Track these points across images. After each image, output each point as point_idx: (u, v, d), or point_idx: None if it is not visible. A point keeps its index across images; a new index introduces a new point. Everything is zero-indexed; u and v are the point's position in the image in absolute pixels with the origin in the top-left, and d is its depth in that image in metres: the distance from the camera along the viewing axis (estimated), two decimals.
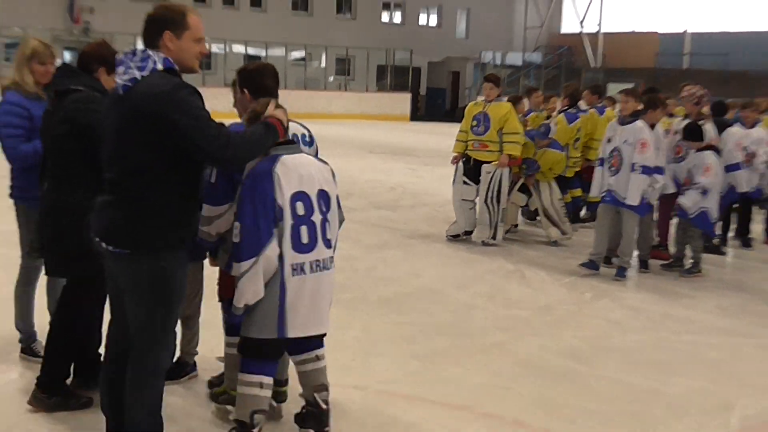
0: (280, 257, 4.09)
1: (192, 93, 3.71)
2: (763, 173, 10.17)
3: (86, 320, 4.90)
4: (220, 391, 4.91)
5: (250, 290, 4.04)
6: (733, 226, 10.86)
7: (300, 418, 4.41)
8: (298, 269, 4.12)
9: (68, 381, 4.89)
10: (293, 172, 4.08)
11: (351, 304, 7.25)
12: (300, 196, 4.09)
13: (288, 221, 4.10)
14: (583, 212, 11.83)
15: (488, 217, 9.80)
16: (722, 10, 39.38)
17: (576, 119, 10.70)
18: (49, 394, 4.75)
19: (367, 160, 19.64)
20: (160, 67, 3.73)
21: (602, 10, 43.36)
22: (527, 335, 6.71)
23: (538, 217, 10.86)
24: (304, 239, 4.11)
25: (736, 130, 9.99)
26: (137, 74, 3.71)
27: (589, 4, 43.89)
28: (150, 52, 3.75)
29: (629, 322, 7.22)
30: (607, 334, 6.86)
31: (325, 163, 4.40)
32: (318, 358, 4.39)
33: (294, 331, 4.12)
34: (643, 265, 9.05)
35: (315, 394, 4.38)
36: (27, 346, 5.56)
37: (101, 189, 3.89)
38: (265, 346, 4.21)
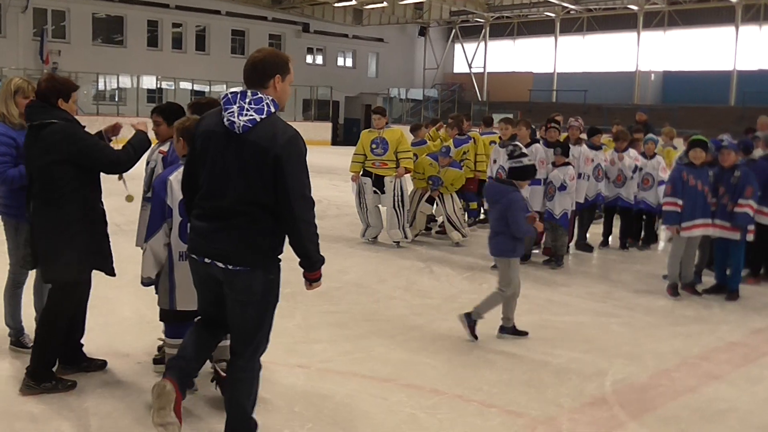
0: (169, 246, 4.48)
1: (302, 142, 3.67)
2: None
3: (68, 317, 4.77)
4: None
5: (144, 267, 4.53)
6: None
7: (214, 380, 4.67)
8: (184, 256, 4.39)
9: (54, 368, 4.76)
10: None
11: (291, 297, 7.15)
12: None
13: (176, 219, 4.45)
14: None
15: (397, 220, 9.88)
16: (583, 55, 40.19)
17: (464, 143, 10.96)
18: (37, 382, 4.62)
19: None
20: (273, 109, 3.63)
21: (486, 54, 43.97)
22: (438, 320, 6.74)
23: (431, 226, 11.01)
24: None
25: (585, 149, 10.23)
26: (256, 117, 3.58)
27: (476, 49, 44.46)
28: (261, 94, 3.62)
29: (519, 306, 7.17)
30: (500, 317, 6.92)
31: None
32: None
33: (182, 305, 4.44)
34: (524, 259, 9.17)
35: (216, 365, 4.62)
36: (16, 339, 5.40)
37: (96, 207, 4.16)
38: (164, 313, 4.66)
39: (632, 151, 10.48)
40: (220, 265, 3.68)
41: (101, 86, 33.78)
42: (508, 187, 6.19)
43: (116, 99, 33.61)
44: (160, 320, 4.74)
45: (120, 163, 4.73)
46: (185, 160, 4.07)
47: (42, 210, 4.59)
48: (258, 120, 3.59)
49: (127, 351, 5.45)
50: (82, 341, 5.09)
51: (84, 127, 4.75)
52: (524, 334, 6.28)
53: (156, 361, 5.15)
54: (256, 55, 3.74)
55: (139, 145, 4.79)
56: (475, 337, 6.13)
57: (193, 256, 3.79)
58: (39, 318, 4.77)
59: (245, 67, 3.72)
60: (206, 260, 3.72)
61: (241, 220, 3.65)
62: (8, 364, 5.15)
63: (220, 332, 4.02)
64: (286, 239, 3.79)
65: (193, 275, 3.91)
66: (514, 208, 6.09)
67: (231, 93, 3.66)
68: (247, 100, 3.61)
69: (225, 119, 3.60)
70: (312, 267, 3.87)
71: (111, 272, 4.87)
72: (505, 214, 6.09)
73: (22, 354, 5.18)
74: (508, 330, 6.28)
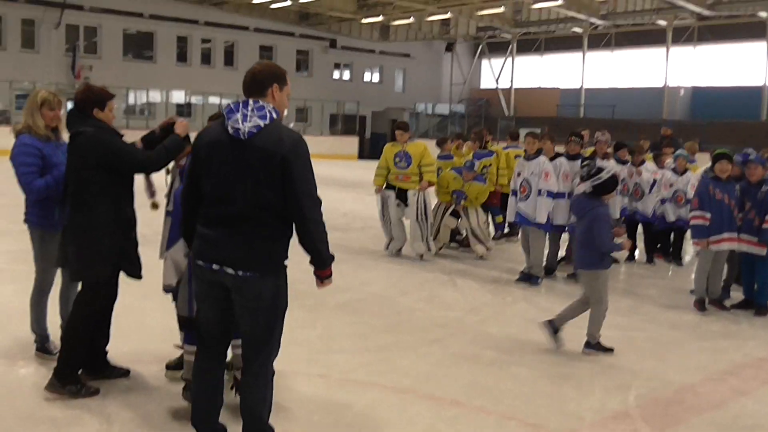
0: (189, 255, 4.30)
1: (306, 145, 3.75)
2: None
3: (97, 318, 4.86)
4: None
5: (164, 275, 4.53)
6: None
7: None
8: None
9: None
10: None
11: (313, 309, 7.20)
12: None
13: None
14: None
15: (420, 233, 9.86)
16: (611, 70, 40.00)
17: (485, 157, 10.93)
18: (63, 383, 4.69)
19: (323, 191, 19.18)
20: (275, 116, 3.72)
21: (513, 70, 43.90)
22: (460, 332, 6.71)
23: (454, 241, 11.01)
24: None
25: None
26: (260, 122, 3.65)
27: (503, 64, 44.39)
28: (262, 102, 3.71)
29: (543, 319, 7.23)
30: (525, 330, 6.88)
31: None
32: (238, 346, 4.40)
33: None
34: (549, 273, 9.14)
35: (236, 372, 4.63)
36: (41, 346, 5.45)
37: (126, 212, 4.31)
38: (183, 321, 4.61)
39: (649, 165, 10.39)
40: (230, 271, 3.69)
41: (131, 100, 34.16)
42: (594, 202, 6.25)
43: (146, 113, 34.00)
44: (180, 328, 4.76)
45: (151, 163, 4.80)
46: (186, 170, 4.07)
47: (74, 213, 4.72)
48: (262, 125, 3.66)
49: (150, 359, 5.48)
50: (107, 348, 5.14)
51: (122, 136, 4.85)
52: (610, 350, 6.23)
53: (169, 367, 5.17)
54: (255, 67, 3.85)
55: (172, 146, 4.82)
56: (558, 344, 6.24)
57: (200, 262, 3.79)
58: (66, 321, 4.83)
59: (245, 79, 3.80)
60: (214, 267, 3.72)
61: (251, 225, 3.68)
62: (33, 369, 5.20)
63: (223, 350, 4.04)
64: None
65: (199, 283, 3.90)
66: (600, 222, 6.17)
67: (233, 103, 3.75)
68: (250, 108, 3.70)
69: (229, 127, 3.67)
70: (323, 264, 3.88)
71: (137, 275, 4.94)
72: (590, 227, 6.15)
73: (48, 360, 5.22)
74: (593, 346, 6.24)
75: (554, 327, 6.30)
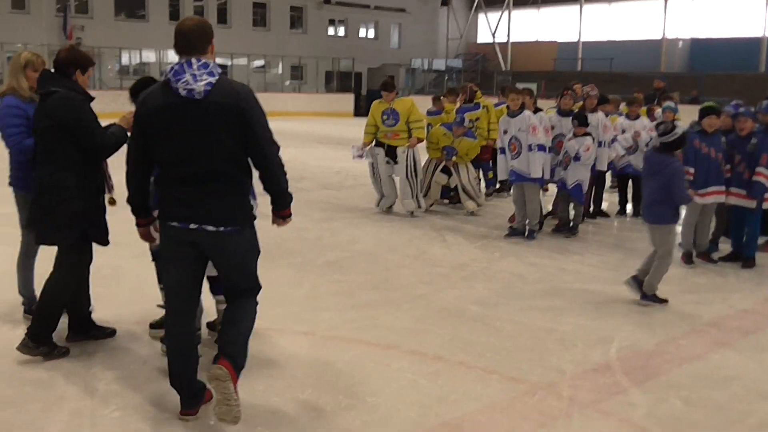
0: None
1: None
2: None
3: (77, 281, 4.89)
4: (161, 320, 4.98)
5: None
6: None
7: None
8: None
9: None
10: None
11: (301, 267, 7.24)
12: None
13: None
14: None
15: (410, 191, 9.86)
16: (608, 22, 39.63)
17: (470, 111, 10.89)
18: (36, 344, 4.72)
19: (317, 149, 19.54)
20: (219, 70, 3.78)
21: (510, 24, 43.50)
22: (446, 288, 6.75)
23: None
24: None
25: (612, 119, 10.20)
26: (211, 79, 3.69)
27: (500, 18, 43.99)
28: (203, 59, 3.75)
29: (530, 275, 7.30)
30: (511, 284, 6.93)
31: None
32: (222, 302, 4.59)
33: (209, 271, 4.20)
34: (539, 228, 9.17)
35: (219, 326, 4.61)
36: (29, 308, 5.47)
37: (92, 177, 4.16)
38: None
39: (644, 119, 10.35)
40: (211, 228, 3.76)
41: (125, 61, 33.92)
42: (669, 158, 6.42)
43: (140, 74, 33.75)
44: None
45: (106, 149, 4.72)
46: (134, 137, 3.99)
47: (39, 174, 4.68)
48: (213, 82, 3.70)
49: (135, 320, 5.53)
50: (90, 309, 5.20)
51: (92, 99, 4.80)
52: (665, 301, 6.43)
53: (153, 326, 5.24)
54: (192, 24, 3.84)
55: (119, 134, 4.77)
56: (644, 296, 6.45)
57: (174, 224, 3.80)
58: (44, 285, 4.84)
59: (184, 35, 3.78)
60: (192, 226, 3.77)
61: (221, 181, 3.77)
62: (21, 331, 5.20)
63: (194, 310, 4.10)
64: None
65: (170, 244, 3.89)
66: (678, 177, 6.39)
67: (176, 65, 3.75)
68: (195, 67, 3.72)
69: (180, 89, 3.67)
70: (286, 205, 4.08)
71: (103, 242, 4.90)
72: (668, 183, 6.33)
73: None
74: (650, 297, 6.44)
75: (638, 282, 6.50)
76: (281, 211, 4.10)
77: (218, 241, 3.80)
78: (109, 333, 5.19)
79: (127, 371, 4.63)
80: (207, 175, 3.75)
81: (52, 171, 4.62)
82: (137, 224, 4.23)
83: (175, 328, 4.00)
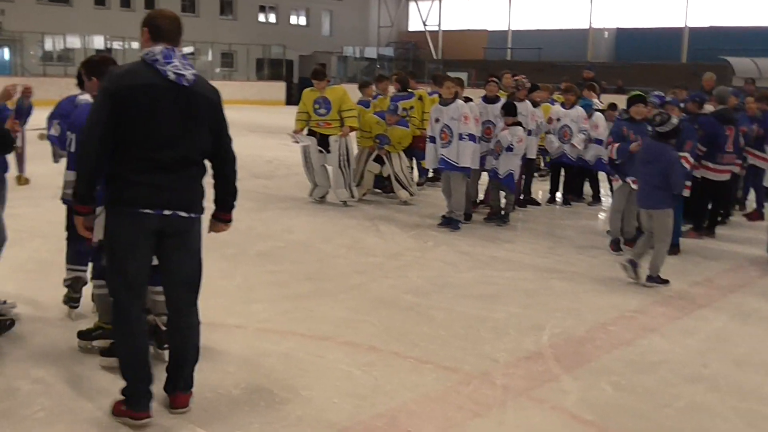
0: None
1: None
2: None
3: None
4: (93, 327, 4.80)
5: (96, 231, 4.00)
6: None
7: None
8: None
9: None
10: None
11: (233, 258, 7.14)
12: None
13: None
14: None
15: (343, 180, 9.81)
16: (537, 11, 40.15)
17: (403, 99, 10.86)
18: None
19: (249, 138, 19.26)
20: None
21: (441, 12, 43.70)
22: (380, 277, 6.74)
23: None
24: None
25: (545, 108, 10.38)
26: (193, 71, 3.76)
27: (431, 6, 44.16)
28: (180, 51, 3.77)
29: (462, 263, 7.34)
30: (444, 273, 6.96)
31: None
32: (161, 293, 4.36)
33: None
34: (467, 218, 9.23)
35: (156, 318, 4.64)
36: None
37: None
38: None
39: (579, 109, 10.51)
40: (183, 214, 3.78)
41: (48, 47, 32.82)
42: (667, 146, 6.76)
43: (64, 60, 32.74)
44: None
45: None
46: (103, 114, 3.66)
47: None
48: (196, 74, 3.77)
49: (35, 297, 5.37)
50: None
51: None
52: (667, 281, 6.83)
53: (83, 336, 4.91)
54: (173, 15, 3.85)
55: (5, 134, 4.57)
56: (639, 280, 6.80)
57: (147, 210, 3.68)
58: None
59: (172, 25, 3.79)
60: (165, 212, 3.72)
61: (193, 169, 3.81)
62: None
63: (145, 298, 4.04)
64: None
65: (135, 232, 3.73)
66: (677, 166, 6.78)
67: (168, 49, 3.72)
68: (179, 56, 3.74)
69: (170, 73, 3.65)
70: (233, 207, 4.13)
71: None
72: (666, 171, 6.66)
73: None
74: (655, 279, 6.79)
75: (634, 264, 6.78)
76: (227, 214, 4.13)
77: (188, 226, 3.83)
78: (8, 325, 4.96)
79: (52, 370, 4.47)
80: (184, 162, 3.75)
81: None
82: (80, 212, 3.82)
83: (136, 314, 3.87)
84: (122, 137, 3.64)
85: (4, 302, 5.11)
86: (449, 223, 8.83)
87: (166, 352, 4.41)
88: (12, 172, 5.24)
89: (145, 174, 3.67)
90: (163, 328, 4.57)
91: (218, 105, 3.88)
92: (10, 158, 5.11)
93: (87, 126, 3.70)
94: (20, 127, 5.13)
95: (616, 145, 7.77)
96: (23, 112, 5.16)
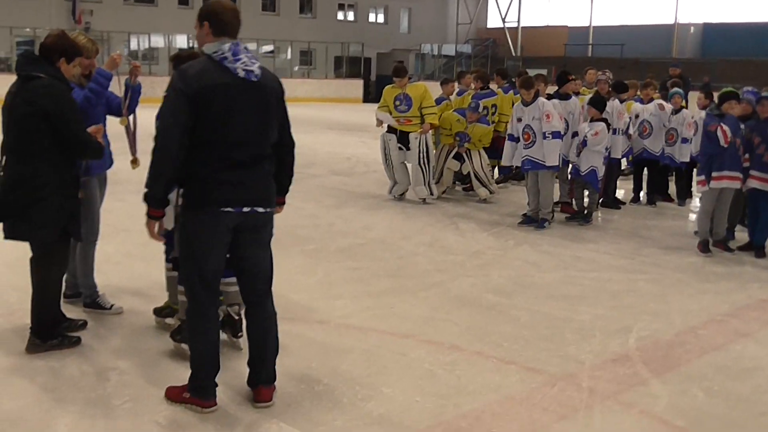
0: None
1: None
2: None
3: (59, 272, 4.69)
4: (164, 306, 5.13)
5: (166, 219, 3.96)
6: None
7: (221, 324, 4.56)
8: None
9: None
10: None
11: (314, 254, 7.19)
12: None
13: None
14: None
15: (422, 177, 9.77)
16: (620, 7, 39.35)
17: (486, 98, 10.73)
18: (42, 339, 4.60)
19: (327, 135, 19.46)
20: None
21: (521, 8, 43.18)
22: (461, 276, 6.68)
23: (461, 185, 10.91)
24: None
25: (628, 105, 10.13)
26: (258, 63, 3.77)
27: (510, 2, 43.65)
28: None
29: (545, 263, 7.22)
30: (526, 273, 6.86)
31: None
32: (232, 284, 4.45)
33: None
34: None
35: (229, 308, 4.75)
36: (92, 301, 5.37)
37: (69, 170, 3.84)
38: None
39: (658, 102, 10.24)
40: (261, 210, 3.83)
41: (133, 46, 33.74)
42: None
43: (149, 59, 33.61)
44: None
45: (83, 146, 4.43)
46: (177, 119, 3.61)
47: (11, 164, 4.41)
48: (261, 66, 3.78)
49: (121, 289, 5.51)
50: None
51: (72, 89, 4.59)
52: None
53: (158, 312, 5.20)
54: (234, 7, 3.84)
55: (95, 143, 4.55)
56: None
57: (228, 209, 3.69)
58: (32, 283, 4.62)
59: (235, 19, 3.78)
60: (245, 209, 3.75)
61: (267, 163, 3.86)
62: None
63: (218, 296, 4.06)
64: None
65: (216, 231, 3.73)
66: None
67: (234, 45, 3.71)
68: (244, 49, 3.76)
69: (240, 70, 3.67)
70: (288, 191, 4.22)
71: (78, 237, 4.77)
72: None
73: (98, 314, 5.30)
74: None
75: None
76: (283, 197, 4.21)
77: (264, 221, 3.88)
78: (80, 325, 5.02)
79: (139, 361, 4.58)
80: (260, 158, 3.80)
81: (28, 162, 4.32)
82: (153, 216, 3.79)
83: (213, 310, 3.92)
84: (200, 138, 3.64)
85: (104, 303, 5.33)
86: (531, 221, 8.70)
87: (241, 340, 4.65)
88: (114, 167, 5.42)
89: (225, 173, 3.68)
90: (236, 317, 4.75)
91: (282, 94, 3.91)
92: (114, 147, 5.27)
93: (163, 127, 3.64)
94: (127, 111, 5.29)
95: (725, 127, 7.43)
96: (134, 91, 5.27)
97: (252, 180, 3.75)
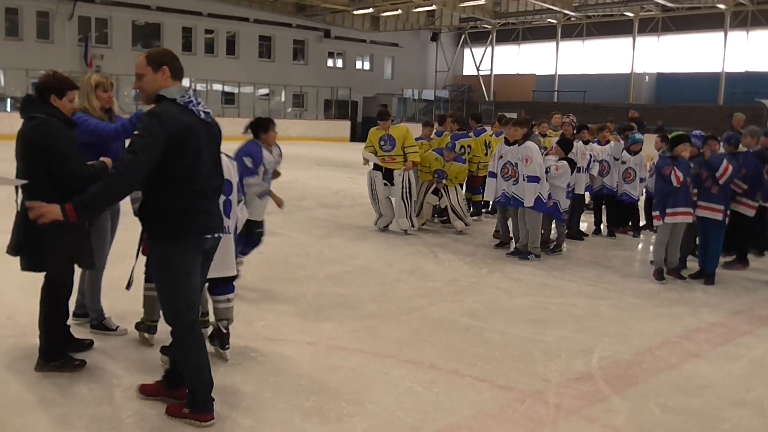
0: None
1: None
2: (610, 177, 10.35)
3: (63, 303, 4.64)
4: (140, 321, 5.18)
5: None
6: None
7: (210, 337, 4.84)
8: (228, 229, 4.61)
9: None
10: None
11: (304, 280, 7.17)
12: None
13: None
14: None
15: (405, 210, 9.81)
16: (582, 58, 39.80)
17: (462, 138, 10.82)
18: (46, 360, 4.54)
19: (317, 171, 19.48)
20: None
21: (493, 58, 43.66)
22: (439, 301, 6.68)
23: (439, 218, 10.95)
24: None
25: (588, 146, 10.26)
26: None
27: (484, 53, 44.14)
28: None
29: (515, 289, 7.24)
30: (498, 298, 6.87)
31: (231, 158, 4.94)
32: (228, 300, 4.90)
33: (210, 273, 4.23)
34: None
35: (218, 323, 4.86)
36: (99, 323, 5.32)
37: (68, 196, 3.62)
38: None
39: (613, 143, 10.41)
40: (220, 235, 3.96)
41: None
42: None
43: None
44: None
45: (78, 178, 4.26)
46: (150, 156, 3.54)
47: (26, 201, 4.25)
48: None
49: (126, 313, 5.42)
50: (68, 323, 4.85)
51: (74, 126, 4.52)
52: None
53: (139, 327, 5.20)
54: (173, 54, 3.86)
55: (99, 169, 4.43)
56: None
57: (209, 236, 3.84)
58: (39, 308, 4.58)
59: (180, 66, 3.80)
60: (216, 235, 3.91)
61: (219, 192, 4.02)
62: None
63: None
64: None
65: (196, 256, 3.80)
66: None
67: (190, 90, 3.79)
68: (194, 93, 3.82)
69: (200, 112, 3.78)
70: None
71: (91, 266, 4.77)
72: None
73: (104, 336, 5.25)
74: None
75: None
76: None
77: (217, 244, 4.01)
78: (87, 345, 4.96)
79: (142, 378, 4.52)
80: (218, 189, 3.96)
81: (36, 197, 4.04)
82: (69, 216, 3.58)
83: (200, 332, 3.96)
84: (176, 174, 3.66)
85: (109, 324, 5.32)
86: (518, 253, 8.68)
87: (227, 352, 4.78)
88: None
89: (200, 203, 3.76)
90: (224, 331, 4.86)
91: (220, 131, 4.00)
92: None
93: (135, 161, 3.53)
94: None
95: (678, 172, 7.49)
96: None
97: (216, 209, 3.92)
